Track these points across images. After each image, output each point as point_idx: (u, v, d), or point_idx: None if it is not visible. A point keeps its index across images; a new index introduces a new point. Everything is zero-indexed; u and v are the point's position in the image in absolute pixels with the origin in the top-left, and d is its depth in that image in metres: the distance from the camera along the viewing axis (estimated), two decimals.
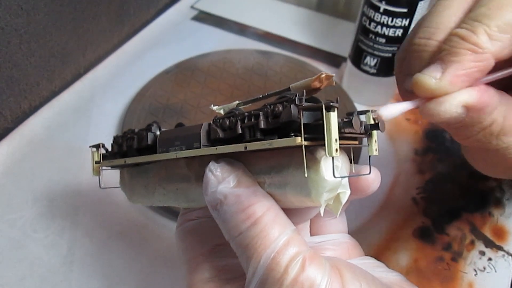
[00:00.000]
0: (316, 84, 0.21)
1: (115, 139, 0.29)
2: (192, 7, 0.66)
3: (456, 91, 0.22)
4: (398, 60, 0.26)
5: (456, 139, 0.26)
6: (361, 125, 0.20)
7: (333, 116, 0.18)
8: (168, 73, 0.53)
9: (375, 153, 0.21)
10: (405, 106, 0.22)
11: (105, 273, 0.36)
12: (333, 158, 0.19)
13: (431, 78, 0.21)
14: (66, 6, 0.49)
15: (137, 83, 0.52)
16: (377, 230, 0.40)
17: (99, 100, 0.51)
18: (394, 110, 0.22)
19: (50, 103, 0.50)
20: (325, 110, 0.18)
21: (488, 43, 0.21)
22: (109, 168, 0.30)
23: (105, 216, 0.40)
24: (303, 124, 0.18)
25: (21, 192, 0.42)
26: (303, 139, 0.18)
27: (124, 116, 0.48)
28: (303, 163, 0.19)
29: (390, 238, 0.39)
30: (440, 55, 0.22)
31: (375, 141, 0.21)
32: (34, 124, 0.48)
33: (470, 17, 0.22)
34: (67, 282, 0.36)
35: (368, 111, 0.21)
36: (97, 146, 0.30)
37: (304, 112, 0.19)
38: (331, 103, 0.18)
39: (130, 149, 0.27)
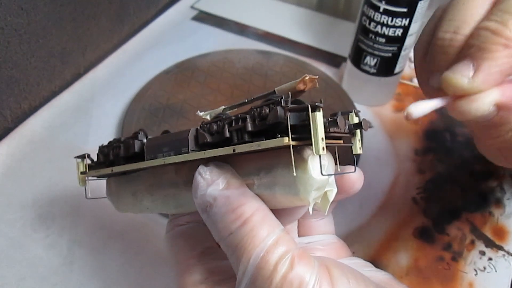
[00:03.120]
0: (301, 86, 0.21)
1: (101, 149, 0.29)
2: (192, 7, 0.66)
3: (489, 89, 0.21)
4: (418, 55, 0.25)
5: (481, 140, 0.25)
6: (345, 125, 0.21)
7: (319, 116, 0.18)
8: (168, 73, 0.53)
9: (359, 151, 0.22)
10: (435, 103, 0.22)
11: (105, 273, 0.36)
12: (320, 156, 0.19)
13: (463, 77, 0.21)
14: (66, 6, 0.49)
15: (137, 83, 0.52)
16: (377, 230, 0.40)
17: (99, 100, 0.51)
18: (424, 108, 0.21)
19: (50, 103, 0.50)
20: (311, 110, 0.18)
21: None
22: (95, 178, 0.30)
23: (105, 216, 0.40)
24: (290, 125, 0.19)
25: (21, 192, 0.42)
26: (290, 139, 0.19)
27: (124, 116, 0.48)
28: (291, 162, 0.19)
29: (390, 238, 0.39)
30: (470, 52, 0.21)
31: (359, 140, 0.22)
32: (34, 124, 0.48)
33: (500, 9, 0.21)
34: (67, 282, 0.36)
35: (351, 111, 0.22)
36: (82, 157, 0.30)
37: (290, 113, 0.19)
38: (316, 104, 0.18)
39: (117, 157, 0.27)
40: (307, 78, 0.21)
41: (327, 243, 0.27)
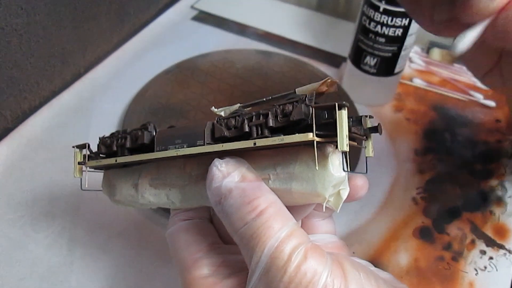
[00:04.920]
0: (323, 88, 0.22)
1: (103, 140, 0.29)
2: (192, 7, 0.66)
3: None
4: None
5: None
6: (366, 125, 0.22)
7: (345, 114, 0.19)
8: (168, 73, 0.53)
9: (371, 154, 0.23)
10: (478, 29, 0.21)
11: (105, 273, 0.36)
12: (343, 153, 0.20)
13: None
14: (66, 6, 0.49)
15: (137, 83, 0.52)
16: (377, 230, 0.40)
17: (99, 100, 0.51)
18: (470, 38, 0.21)
19: (50, 103, 0.50)
20: (338, 108, 0.19)
21: None
22: (92, 169, 0.30)
23: (105, 215, 0.40)
24: (312, 122, 0.20)
25: (21, 192, 0.42)
26: (314, 135, 0.19)
27: (124, 116, 0.48)
28: (314, 158, 0.20)
29: (390, 238, 0.39)
30: None
31: (371, 143, 0.23)
32: (34, 124, 0.48)
33: None
34: (67, 282, 0.36)
35: (366, 116, 0.23)
36: (82, 146, 0.30)
37: (314, 110, 0.20)
38: (343, 103, 0.19)
39: (122, 148, 0.27)
40: (329, 81, 0.22)
41: (328, 242, 0.27)
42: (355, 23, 0.47)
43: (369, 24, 0.44)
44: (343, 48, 0.57)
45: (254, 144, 0.21)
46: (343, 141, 0.19)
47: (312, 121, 0.20)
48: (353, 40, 0.48)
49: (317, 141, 0.19)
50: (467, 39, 0.21)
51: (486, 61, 0.29)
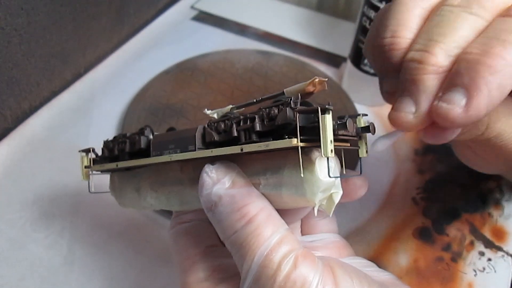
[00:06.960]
0: (310, 88, 0.21)
1: (106, 143, 0.29)
2: (192, 7, 0.66)
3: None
4: (369, 59, 0.25)
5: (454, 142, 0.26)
6: (353, 128, 0.21)
7: (328, 118, 0.18)
8: (168, 73, 0.53)
9: (365, 155, 0.22)
10: (397, 136, 0.23)
11: (105, 273, 0.36)
12: (328, 158, 0.19)
13: (407, 114, 0.21)
14: (66, 6, 0.49)
15: (137, 83, 0.52)
16: (377, 230, 0.40)
17: (99, 100, 0.51)
18: (388, 142, 0.22)
19: (50, 103, 0.50)
20: (321, 112, 0.18)
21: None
22: (99, 172, 0.30)
23: (105, 216, 0.40)
24: (299, 126, 0.19)
25: (21, 192, 0.42)
26: (299, 140, 0.19)
27: (124, 116, 0.48)
28: (299, 163, 0.19)
29: (390, 238, 0.39)
30: (405, 86, 0.21)
31: (366, 143, 0.22)
32: (34, 124, 0.48)
33: (422, 37, 0.21)
34: (67, 282, 0.36)
35: (359, 115, 0.22)
36: (87, 151, 0.30)
37: (299, 114, 0.19)
38: (326, 106, 0.18)
39: (122, 153, 0.27)
40: (316, 80, 0.21)
41: (329, 241, 0.27)
42: (355, 23, 0.47)
43: (370, 24, 0.44)
44: (343, 48, 0.57)
45: (241, 150, 0.21)
46: (327, 147, 0.18)
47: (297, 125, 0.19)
48: (353, 40, 0.48)
49: (302, 146, 0.19)
50: (382, 145, 0.22)
51: None
